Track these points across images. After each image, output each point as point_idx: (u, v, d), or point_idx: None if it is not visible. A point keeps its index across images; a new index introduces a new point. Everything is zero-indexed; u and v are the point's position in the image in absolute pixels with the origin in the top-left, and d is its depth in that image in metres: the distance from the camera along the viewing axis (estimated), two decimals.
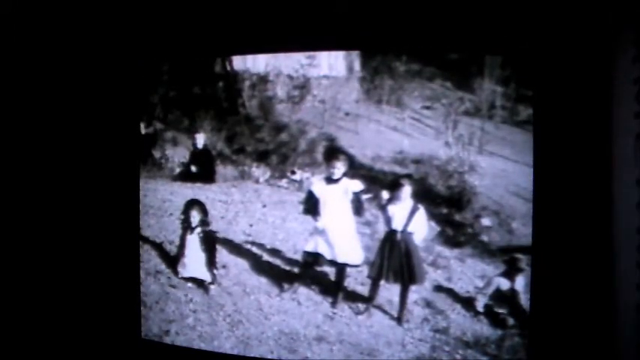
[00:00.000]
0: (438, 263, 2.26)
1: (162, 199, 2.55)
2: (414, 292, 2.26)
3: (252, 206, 2.47)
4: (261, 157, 2.43)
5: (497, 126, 2.18)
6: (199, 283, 2.50)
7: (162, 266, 2.54)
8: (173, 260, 2.53)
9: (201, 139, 2.52)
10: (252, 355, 2.38)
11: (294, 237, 2.39)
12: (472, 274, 2.22)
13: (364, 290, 2.31)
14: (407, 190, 2.25)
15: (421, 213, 2.24)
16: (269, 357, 2.37)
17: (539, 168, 2.11)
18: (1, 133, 2.49)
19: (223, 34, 2.41)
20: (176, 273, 2.53)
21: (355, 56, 2.31)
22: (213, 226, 2.49)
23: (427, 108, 2.24)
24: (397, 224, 2.27)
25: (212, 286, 2.48)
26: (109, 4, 2.51)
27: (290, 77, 2.37)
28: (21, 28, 2.49)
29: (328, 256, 2.35)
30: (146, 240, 2.56)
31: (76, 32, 2.55)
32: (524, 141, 2.13)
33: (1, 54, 2.47)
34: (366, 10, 2.23)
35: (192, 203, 2.52)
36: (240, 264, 2.45)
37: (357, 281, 2.32)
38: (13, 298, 2.51)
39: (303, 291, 2.37)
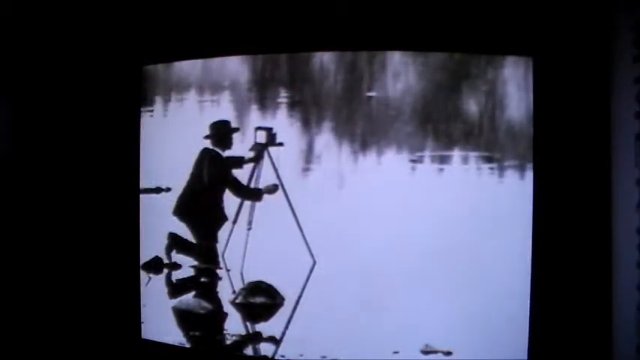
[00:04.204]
0: None
1: (163, 199, 2.55)
2: None
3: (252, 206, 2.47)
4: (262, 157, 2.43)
5: (497, 126, 2.18)
6: (199, 283, 2.50)
7: (163, 266, 2.54)
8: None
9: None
10: (252, 354, 2.38)
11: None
12: None
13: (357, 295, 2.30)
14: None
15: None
16: (269, 356, 2.37)
17: (539, 168, 2.11)
18: (2, 132, 2.49)
19: (223, 34, 2.41)
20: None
21: (355, 56, 2.30)
22: None
23: (427, 108, 2.24)
24: None
25: (212, 286, 2.48)
26: (108, 4, 2.51)
27: (291, 77, 2.36)
28: (19, 29, 2.50)
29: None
30: (146, 240, 2.56)
31: (76, 32, 2.56)
32: (524, 141, 2.13)
33: (1, 54, 2.47)
34: (366, 11, 2.24)
35: None
36: (240, 264, 2.45)
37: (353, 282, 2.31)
38: (14, 297, 2.51)
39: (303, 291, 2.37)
